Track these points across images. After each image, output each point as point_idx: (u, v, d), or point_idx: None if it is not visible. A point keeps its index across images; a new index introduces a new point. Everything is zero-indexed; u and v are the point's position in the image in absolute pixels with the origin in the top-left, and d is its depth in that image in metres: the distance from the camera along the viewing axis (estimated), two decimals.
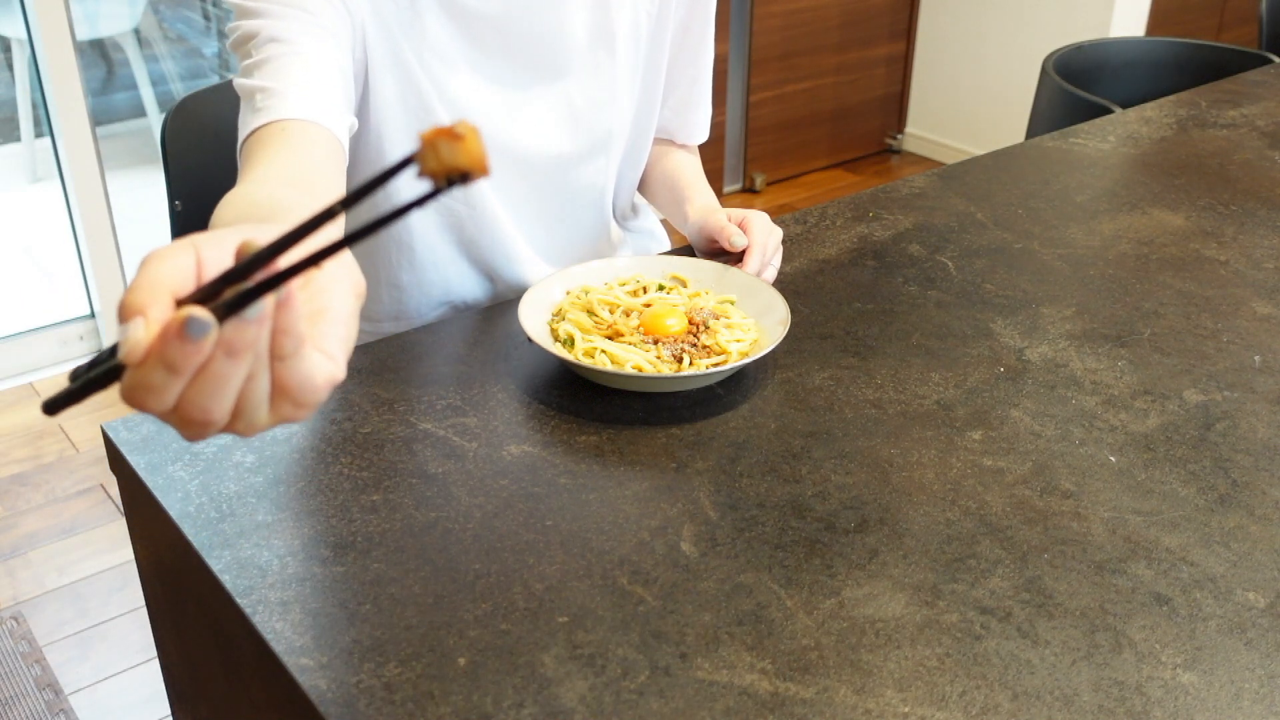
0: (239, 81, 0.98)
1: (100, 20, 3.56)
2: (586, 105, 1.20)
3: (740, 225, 1.16)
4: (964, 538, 0.83)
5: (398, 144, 1.13)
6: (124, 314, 0.48)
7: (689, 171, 1.33)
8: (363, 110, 1.11)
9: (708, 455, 0.92)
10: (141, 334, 0.47)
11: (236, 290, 0.47)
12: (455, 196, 1.18)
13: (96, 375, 0.50)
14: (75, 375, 0.53)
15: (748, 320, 1.05)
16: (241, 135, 0.95)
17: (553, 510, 0.85)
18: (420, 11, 1.09)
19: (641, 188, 1.38)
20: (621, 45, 1.19)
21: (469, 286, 1.24)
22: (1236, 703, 0.70)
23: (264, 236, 0.48)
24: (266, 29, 0.99)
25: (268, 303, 0.47)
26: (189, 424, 0.51)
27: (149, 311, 0.47)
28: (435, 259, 1.21)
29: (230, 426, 0.52)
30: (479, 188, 1.18)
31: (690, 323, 1.03)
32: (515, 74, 1.15)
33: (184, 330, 0.46)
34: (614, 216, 1.34)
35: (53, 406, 0.51)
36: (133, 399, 0.49)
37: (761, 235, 1.15)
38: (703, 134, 1.36)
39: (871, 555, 0.81)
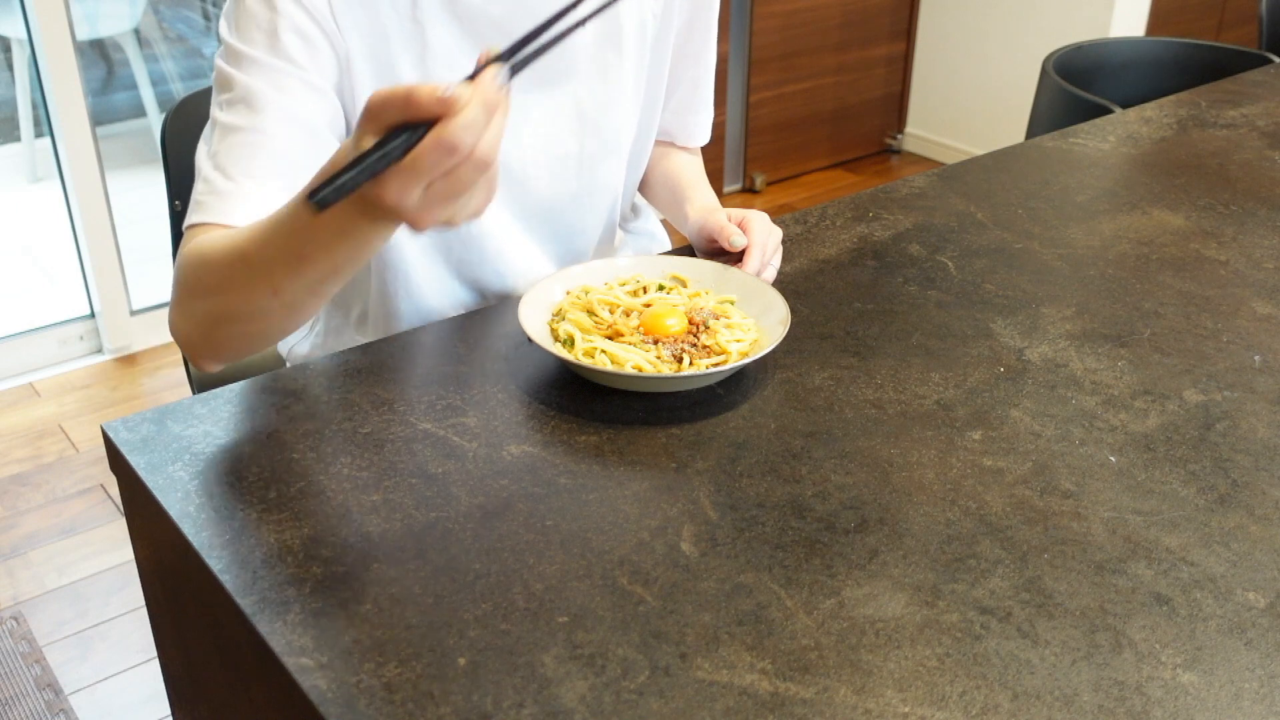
0: (200, 154, 1.00)
1: (100, 20, 3.55)
2: (595, 107, 1.19)
3: (740, 225, 1.16)
4: (964, 538, 0.83)
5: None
6: (423, 97, 0.68)
7: (690, 172, 1.33)
8: None
9: (708, 455, 0.92)
10: (467, 86, 0.68)
11: (510, 62, 0.71)
12: None
13: (396, 146, 0.68)
14: (317, 192, 0.68)
15: (748, 320, 1.05)
16: (187, 221, 0.98)
17: (553, 510, 0.85)
18: (422, 22, 1.08)
19: (642, 188, 1.38)
20: (629, 46, 1.18)
21: (465, 304, 1.23)
22: (1236, 703, 0.70)
23: (500, 45, 0.72)
24: (243, 83, 0.99)
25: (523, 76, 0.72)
26: (479, 167, 0.70)
27: (440, 85, 0.67)
28: (428, 276, 1.20)
29: (456, 213, 0.73)
30: None
31: (690, 323, 1.03)
32: (521, 77, 1.15)
33: (499, 77, 0.70)
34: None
35: (324, 201, 0.68)
36: (450, 141, 0.68)
37: (761, 235, 1.15)
38: (704, 136, 1.36)
39: (871, 555, 0.81)
